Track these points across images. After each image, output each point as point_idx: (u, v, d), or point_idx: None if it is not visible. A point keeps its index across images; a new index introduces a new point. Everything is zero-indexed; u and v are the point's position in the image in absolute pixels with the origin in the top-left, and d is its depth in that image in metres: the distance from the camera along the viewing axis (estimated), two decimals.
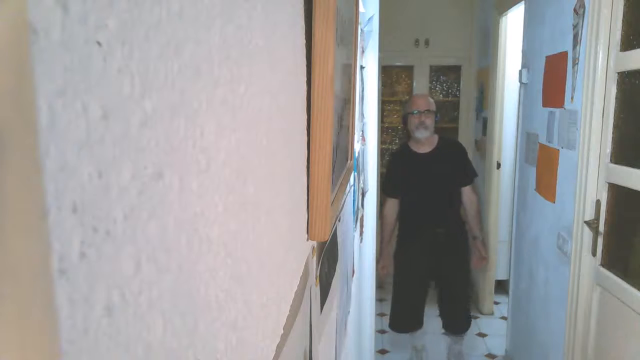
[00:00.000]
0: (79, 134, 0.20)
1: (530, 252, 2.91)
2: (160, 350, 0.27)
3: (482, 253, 3.20)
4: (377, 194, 2.80)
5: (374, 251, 2.79)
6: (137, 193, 0.25)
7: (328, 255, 1.03)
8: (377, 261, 3.13)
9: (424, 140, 3.02)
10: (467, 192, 3.10)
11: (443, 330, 3.35)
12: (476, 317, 3.94)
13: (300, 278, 0.72)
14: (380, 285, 4.06)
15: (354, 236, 1.87)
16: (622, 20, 1.95)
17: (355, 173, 1.80)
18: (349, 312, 1.72)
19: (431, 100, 3.09)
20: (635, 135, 1.91)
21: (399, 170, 3.13)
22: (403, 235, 3.18)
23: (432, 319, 3.52)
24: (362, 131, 2.29)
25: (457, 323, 3.20)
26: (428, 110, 2.99)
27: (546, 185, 2.62)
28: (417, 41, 4.68)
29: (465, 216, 3.15)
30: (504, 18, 3.76)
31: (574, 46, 2.25)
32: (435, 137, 3.07)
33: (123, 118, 0.24)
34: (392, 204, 3.15)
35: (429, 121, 2.98)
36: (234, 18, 0.39)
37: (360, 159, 2.15)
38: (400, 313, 3.23)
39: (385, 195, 3.21)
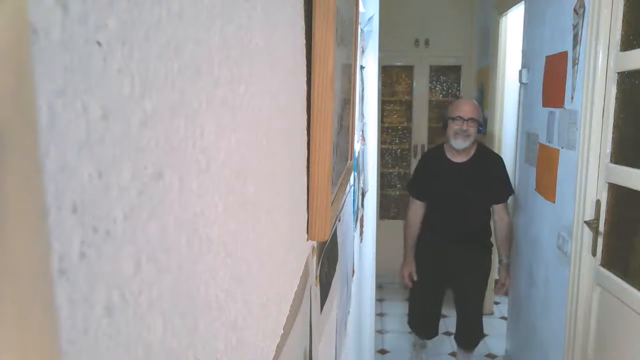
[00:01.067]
0: (79, 134, 0.20)
1: (530, 252, 2.91)
2: (160, 350, 0.27)
3: (504, 280, 2.93)
4: (377, 194, 2.80)
5: (374, 251, 2.79)
6: (137, 193, 0.25)
7: (328, 255, 1.03)
8: (401, 269, 3.00)
9: (462, 150, 2.73)
10: (498, 211, 2.84)
11: (448, 330, 3.30)
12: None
13: (300, 278, 0.72)
14: (380, 286, 4.06)
15: (354, 236, 1.87)
16: (622, 20, 1.95)
17: (355, 173, 1.80)
18: (349, 312, 1.72)
19: (477, 106, 2.77)
20: (635, 135, 1.91)
21: (429, 173, 2.88)
22: (423, 241, 2.98)
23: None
24: (362, 131, 2.29)
25: (471, 336, 3.05)
26: (473, 119, 2.67)
27: (546, 185, 2.62)
28: (417, 41, 4.68)
29: (495, 237, 2.91)
30: (504, 18, 3.76)
31: (574, 46, 2.25)
32: (474, 147, 2.78)
33: (123, 118, 0.24)
34: (418, 207, 2.92)
35: (472, 130, 2.67)
36: (234, 18, 0.39)
37: (360, 159, 2.15)
38: (416, 319, 3.15)
39: (411, 195, 2.98)
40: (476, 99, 4.60)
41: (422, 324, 3.14)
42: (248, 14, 0.43)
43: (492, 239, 3.01)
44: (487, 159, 2.83)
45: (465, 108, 2.70)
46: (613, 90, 2.00)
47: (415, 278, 2.98)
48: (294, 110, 0.65)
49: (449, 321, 3.79)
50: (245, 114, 0.43)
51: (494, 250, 3.03)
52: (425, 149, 4.58)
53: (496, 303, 4.21)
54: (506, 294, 3.15)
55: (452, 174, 2.78)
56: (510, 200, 3.01)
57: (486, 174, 2.78)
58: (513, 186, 3.06)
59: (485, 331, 3.85)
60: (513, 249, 3.08)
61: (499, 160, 2.89)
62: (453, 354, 3.48)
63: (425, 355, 3.35)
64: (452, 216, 2.84)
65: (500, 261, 2.94)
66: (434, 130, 4.71)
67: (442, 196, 2.84)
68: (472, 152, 2.78)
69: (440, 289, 3.05)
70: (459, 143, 2.69)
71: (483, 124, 2.80)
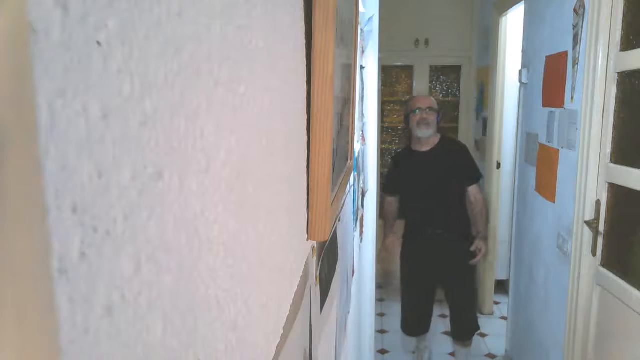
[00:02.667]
0: (79, 134, 0.20)
1: (530, 252, 2.91)
2: (160, 350, 0.27)
3: (481, 246, 3.10)
4: (377, 194, 2.80)
5: (374, 251, 2.79)
6: (137, 193, 0.25)
7: (328, 255, 1.03)
8: (384, 241, 3.15)
9: (426, 140, 2.99)
10: (472, 192, 3.06)
11: (448, 330, 3.33)
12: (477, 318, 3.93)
13: (300, 278, 0.72)
14: (380, 286, 4.06)
15: (354, 236, 1.87)
16: (622, 20, 1.95)
17: (355, 173, 1.80)
18: (349, 312, 1.72)
19: (433, 99, 3.07)
20: (635, 135, 1.91)
21: (400, 169, 3.11)
22: (407, 236, 3.16)
23: (433, 319, 3.51)
24: (362, 131, 2.29)
25: (463, 328, 3.14)
26: (430, 108, 2.96)
27: (546, 185, 2.62)
28: (417, 41, 4.68)
29: (472, 215, 3.11)
30: (504, 18, 3.76)
31: (574, 46, 2.25)
32: (437, 137, 3.04)
33: (123, 118, 0.24)
34: (391, 202, 3.15)
35: (431, 118, 2.95)
36: (234, 18, 0.39)
37: (360, 159, 2.15)
38: (408, 318, 3.21)
39: (384, 194, 3.21)
40: (476, 99, 4.61)
41: (413, 322, 3.21)
42: (248, 14, 0.43)
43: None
44: (451, 146, 3.08)
45: (421, 100, 3.02)
46: (613, 90, 2.00)
47: (391, 255, 3.18)
48: (294, 111, 0.65)
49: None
50: (245, 114, 0.43)
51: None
52: None
53: (496, 303, 4.21)
54: (479, 259, 3.19)
55: (421, 163, 3.01)
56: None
57: (452, 159, 3.01)
58: (513, 186, 3.11)
59: (485, 331, 3.85)
60: (513, 246, 3.11)
61: (463, 147, 3.14)
62: (453, 354, 3.48)
63: (428, 355, 3.35)
64: (427, 204, 3.00)
65: (477, 234, 3.08)
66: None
67: (416, 185, 3.02)
68: (437, 141, 3.03)
69: (430, 283, 3.15)
70: (422, 131, 2.95)
71: (440, 114, 3.05)
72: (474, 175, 3.09)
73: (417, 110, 2.96)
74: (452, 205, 3.03)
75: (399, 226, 3.22)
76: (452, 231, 3.02)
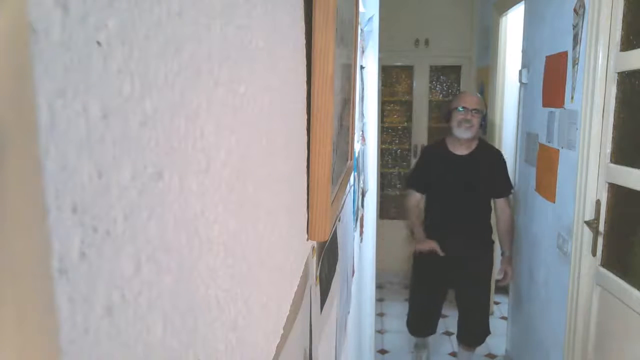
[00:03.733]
0: (79, 134, 0.20)
1: (530, 252, 2.91)
2: (160, 350, 0.27)
3: (508, 270, 2.96)
4: (377, 194, 2.80)
5: (374, 251, 2.79)
6: (137, 193, 0.25)
7: (328, 255, 1.03)
8: (418, 247, 2.94)
9: (464, 141, 2.80)
10: (500, 204, 2.89)
11: (448, 329, 3.29)
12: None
13: (300, 278, 0.72)
14: (380, 285, 4.06)
15: (354, 236, 1.87)
16: (622, 20, 1.95)
17: (355, 173, 1.80)
18: (349, 312, 1.72)
19: (481, 99, 2.86)
20: (635, 135, 1.91)
21: (430, 166, 2.91)
22: (426, 236, 2.97)
23: None
24: (362, 131, 2.29)
25: (475, 335, 3.04)
26: (476, 110, 2.75)
27: (546, 185, 2.62)
28: (417, 41, 4.68)
29: (498, 230, 2.95)
30: (504, 18, 3.76)
31: (574, 46, 2.25)
32: (476, 141, 2.85)
33: (123, 118, 0.24)
34: (416, 198, 2.96)
35: (475, 120, 2.73)
36: (234, 18, 0.39)
37: (360, 159, 2.15)
38: (416, 317, 3.13)
39: (410, 188, 3.01)
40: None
41: (421, 322, 3.14)
42: (248, 14, 0.43)
43: (494, 236, 3.01)
44: (488, 153, 2.88)
45: (470, 99, 2.77)
46: (613, 90, 2.00)
47: (439, 249, 2.91)
48: (294, 110, 0.65)
49: (448, 321, 3.79)
50: (245, 114, 0.43)
51: (496, 247, 3.03)
52: None
53: (496, 303, 4.21)
54: (508, 281, 3.10)
55: (454, 166, 2.82)
56: (510, 197, 3.01)
57: (487, 167, 2.83)
58: (513, 185, 3.08)
59: None
60: (514, 246, 3.09)
61: (500, 155, 2.94)
62: (453, 354, 3.48)
63: (427, 355, 3.34)
64: (453, 209, 2.85)
65: (502, 253, 2.96)
66: (434, 130, 4.71)
67: (444, 188, 2.87)
68: (474, 145, 2.83)
69: (441, 287, 3.04)
70: (462, 132, 2.74)
71: (486, 117, 2.86)
72: (506, 187, 2.91)
73: (462, 109, 2.73)
74: (479, 213, 2.89)
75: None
76: (473, 238, 2.88)
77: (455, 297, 3.09)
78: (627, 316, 1.87)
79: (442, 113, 2.94)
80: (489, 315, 3.10)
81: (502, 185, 2.89)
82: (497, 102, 3.88)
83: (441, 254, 2.88)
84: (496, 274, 3.06)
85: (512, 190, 2.99)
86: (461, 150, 2.83)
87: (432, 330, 3.15)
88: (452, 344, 3.57)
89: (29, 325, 0.17)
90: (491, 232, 2.98)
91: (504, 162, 2.90)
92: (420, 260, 3.02)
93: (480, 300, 2.99)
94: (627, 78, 1.94)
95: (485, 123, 2.85)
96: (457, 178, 2.81)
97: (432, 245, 2.88)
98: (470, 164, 2.80)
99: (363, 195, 2.39)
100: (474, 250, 2.89)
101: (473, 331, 3.04)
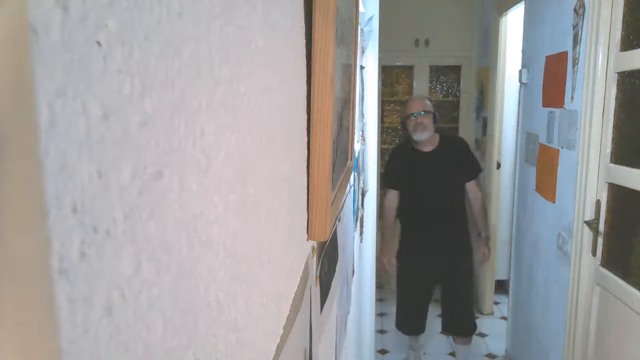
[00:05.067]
0: (79, 134, 0.20)
1: (530, 252, 2.91)
2: (160, 350, 0.27)
3: (485, 252, 3.13)
4: (377, 194, 2.80)
5: (374, 251, 2.79)
6: (137, 193, 0.25)
7: (328, 255, 1.03)
8: (380, 257, 3.08)
9: (424, 142, 3.00)
10: (471, 187, 3.06)
11: (444, 332, 3.32)
12: (476, 317, 3.94)
13: (300, 278, 0.72)
14: (380, 285, 4.06)
15: (354, 236, 1.87)
16: (622, 20, 1.95)
17: (355, 173, 1.80)
18: (349, 312, 1.72)
19: (427, 101, 3.06)
20: (635, 135, 1.91)
21: (400, 165, 3.10)
22: (405, 236, 3.13)
23: (432, 318, 3.51)
24: (362, 131, 2.29)
25: (458, 325, 3.13)
26: (425, 112, 2.96)
27: (546, 185, 2.62)
28: (417, 41, 4.68)
29: (471, 214, 3.11)
30: (504, 18, 3.76)
31: (574, 46, 2.25)
32: (437, 136, 3.04)
33: (123, 118, 0.24)
34: (393, 196, 3.11)
35: (427, 121, 2.95)
36: (234, 18, 0.39)
37: (360, 159, 2.15)
38: (404, 316, 3.20)
39: (386, 187, 3.17)
40: (476, 99, 4.61)
41: (409, 320, 3.20)
42: (248, 14, 0.43)
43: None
44: (452, 144, 3.09)
45: (415, 104, 3.01)
46: (613, 90, 2.00)
47: (394, 262, 3.13)
48: (294, 110, 0.65)
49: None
50: (245, 114, 0.43)
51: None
52: None
53: (496, 303, 4.21)
54: (486, 262, 3.28)
55: (422, 164, 3.02)
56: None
57: (453, 157, 3.03)
58: (513, 186, 3.10)
59: (485, 331, 3.85)
60: (513, 246, 3.09)
61: (463, 143, 3.15)
62: (453, 354, 3.48)
63: (421, 349, 3.35)
64: (427, 204, 3.00)
65: (479, 235, 3.10)
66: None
67: (416, 185, 3.02)
68: (437, 141, 3.03)
69: (427, 284, 3.14)
70: (418, 135, 2.95)
71: (436, 114, 3.04)
72: (474, 169, 3.08)
73: (411, 115, 2.96)
74: (454, 205, 3.02)
75: (396, 230, 3.19)
76: (452, 231, 3.01)
77: (441, 290, 3.18)
78: (627, 316, 1.87)
79: (402, 123, 3.16)
80: (473, 309, 3.23)
81: (469, 168, 3.07)
82: (497, 102, 3.88)
83: (387, 269, 3.13)
84: (475, 257, 3.16)
85: (482, 171, 3.17)
86: (426, 147, 3.02)
87: (420, 329, 3.21)
88: (450, 344, 3.57)
89: (29, 325, 0.17)
90: (467, 223, 3.10)
91: (468, 148, 3.12)
92: (403, 258, 3.13)
93: (465, 289, 3.11)
94: (627, 78, 1.94)
95: (437, 119, 3.04)
96: (427, 173, 2.99)
97: (387, 259, 3.11)
98: (437, 157, 3.00)
99: (363, 195, 2.39)
100: (454, 243, 3.02)
101: (460, 325, 3.14)
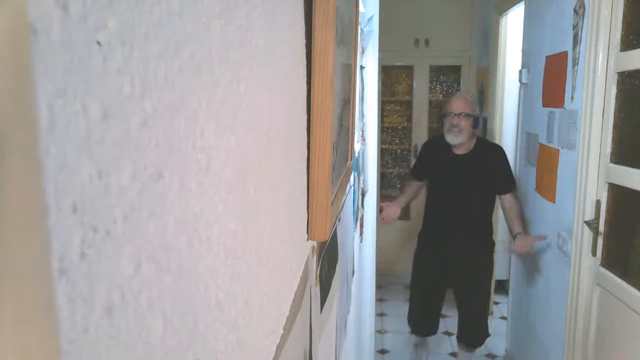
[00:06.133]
0: (79, 134, 0.20)
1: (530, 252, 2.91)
2: (160, 350, 0.27)
3: (529, 240, 2.73)
4: (377, 194, 2.80)
5: (374, 251, 2.79)
6: (137, 193, 0.25)
7: (328, 255, 1.03)
8: (381, 209, 2.89)
9: (459, 144, 2.75)
10: (508, 200, 2.82)
11: (447, 330, 3.28)
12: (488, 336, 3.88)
13: (300, 278, 0.72)
14: (380, 285, 4.06)
15: (354, 236, 1.87)
16: (622, 20, 1.95)
17: (355, 173, 1.80)
18: (349, 312, 1.72)
19: (470, 101, 2.76)
20: (635, 135, 1.91)
21: (430, 158, 2.92)
22: (425, 234, 2.99)
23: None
24: (362, 131, 2.29)
25: (474, 335, 3.01)
26: (465, 114, 2.67)
27: (546, 185, 2.62)
28: (417, 41, 4.68)
29: (507, 220, 2.89)
30: (504, 18, 3.76)
31: (574, 46, 2.25)
32: (473, 141, 2.79)
33: (123, 118, 0.24)
34: (415, 184, 2.99)
35: (464, 124, 2.67)
36: (234, 18, 0.39)
37: (360, 159, 2.15)
38: (417, 317, 3.11)
39: (411, 176, 3.05)
40: (476, 99, 4.61)
41: (422, 321, 3.11)
42: (248, 14, 0.43)
43: (495, 237, 2.96)
44: (487, 151, 2.83)
45: (457, 103, 2.71)
46: (613, 90, 2.00)
47: (394, 217, 2.92)
48: (294, 110, 0.65)
49: (449, 321, 3.79)
50: (245, 114, 0.43)
51: (496, 248, 2.98)
52: None
53: (496, 303, 4.21)
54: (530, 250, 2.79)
55: (453, 164, 2.79)
56: (516, 192, 2.93)
57: (488, 165, 2.78)
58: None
59: None
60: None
61: (500, 151, 2.87)
62: (453, 354, 3.48)
63: (426, 355, 3.34)
64: (452, 208, 2.82)
65: (514, 237, 2.80)
66: (434, 130, 4.70)
67: (443, 186, 2.84)
68: (472, 145, 2.78)
69: (441, 285, 3.02)
70: (451, 138, 2.71)
71: (479, 118, 2.79)
72: (508, 182, 2.84)
73: (450, 114, 2.69)
74: (479, 213, 2.85)
75: (407, 199, 3.05)
76: (474, 238, 2.85)
77: (454, 297, 3.06)
78: (627, 316, 1.87)
79: (437, 117, 2.90)
80: (487, 317, 3.06)
81: (505, 181, 2.82)
82: (497, 102, 3.88)
83: (387, 221, 2.88)
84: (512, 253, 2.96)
85: (514, 186, 2.94)
86: (460, 151, 2.79)
87: (433, 329, 3.12)
88: (452, 344, 3.57)
89: (29, 325, 0.17)
90: (492, 232, 2.95)
91: (505, 158, 2.83)
92: (420, 259, 3.02)
93: (479, 301, 2.96)
94: (627, 78, 1.94)
95: (478, 123, 2.77)
96: (456, 176, 2.78)
97: (391, 209, 2.88)
98: (469, 163, 2.77)
99: (363, 195, 2.39)
100: (474, 251, 2.86)
101: (472, 332, 3.00)
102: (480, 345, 3.06)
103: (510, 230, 2.88)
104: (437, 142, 2.92)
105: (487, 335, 3.04)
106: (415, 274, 3.08)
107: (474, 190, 2.78)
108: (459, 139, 2.70)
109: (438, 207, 2.90)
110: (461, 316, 3.05)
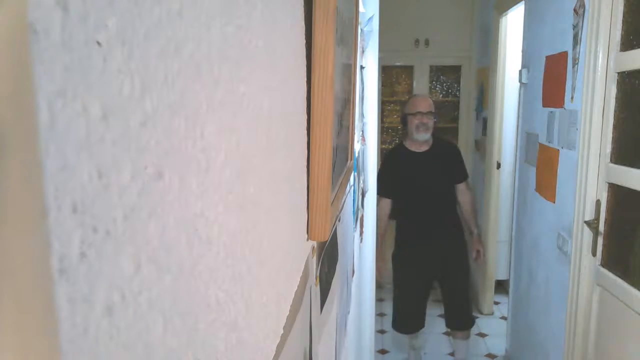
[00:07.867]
0: (79, 134, 0.20)
1: (530, 252, 2.91)
2: (160, 350, 0.27)
3: (479, 249, 3.25)
4: (377, 194, 2.80)
5: (374, 251, 2.79)
6: (137, 193, 0.25)
7: (328, 255, 1.03)
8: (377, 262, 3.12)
9: (422, 141, 3.06)
10: (461, 189, 3.16)
11: (447, 330, 3.33)
12: (476, 317, 3.94)
13: (300, 278, 0.72)
14: (380, 286, 4.06)
15: (354, 236, 1.87)
16: (622, 20, 1.95)
17: (355, 173, 1.80)
18: (349, 312, 1.72)
19: (431, 102, 3.11)
20: (635, 135, 1.91)
21: (395, 169, 3.14)
22: (402, 236, 3.18)
23: (432, 319, 3.52)
24: (362, 131, 2.29)
25: (460, 318, 3.19)
26: (430, 112, 3.01)
27: (546, 185, 2.62)
28: (417, 41, 4.68)
29: (461, 213, 3.20)
30: (504, 18, 3.76)
31: (574, 46, 2.25)
32: (431, 138, 3.12)
33: (123, 118, 0.24)
34: (386, 204, 3.17)
35: (431, 123, 3.01)
36: (234, 18, 0.39)
37: (360, 159, 2.15)
38: (402, 315, 3.21)
39: (379, 195, 3.19)
40: (476, 99, 4.61)
41: (408, 318, 3.21)
42: (248, 14, 0.43)
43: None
44: (444, 147, 3.19)
45: (423, 104, 3.03)
46: (613, 90, 2.00)
47: (385, 274, 3.20)
48: (294, 110, 0.65)
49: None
50: (245, 114, 0.43)
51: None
52: None
53: (496, 303, 4.21)
54: (481, 259, 3.36)
55: (418, 162, 3.09)
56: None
57: (446, 159, 3.12)
58: (513, 186, 3.15)
59: (485, 331, 3.85)
60: (514, 246, 3.11)
61: (455, 147, 3.29)
62: (453, 354, 3.48)
63: (423, 354, 3.35)
64: (423, 202, 3.07)
65: (471, 233, 3.22)
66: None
67: (411, 185, 3.08)
68: (431, 142, 3.11)
69: (423, 285, 3.18)
70: (421, 135, 3.02)
71: (436, 115, 3.11)
72: (463, 173, 3.19)
73: (418, 114, 3.00)
74: (447, 205, 3.11)
75: (390, 232, 3.23)
76: (447, 227, 3.08)
77: (440, 288, 3.23)
78: (627, 316, 1.87)
79: (402, 118, 3.20)
80: (471, 303, 3.30)
81: (460, 171, 3.19)
82: (497, 102, 3.88)
83: (383, 277, 3.17)
84: (472, 256, 3.25)
85: (467, 178, 3.28)
86: (421, 148, 3.09)
87: (417, 326, 3.23)
88: (451, 344, 3.57)
89: (29, 325, 0.17)
90: (459, 219, 3.19)
91: (458, 152, 3.23)
92: (400, 257, 3.17)
93: (461, 290, 3.17)
94: (627, 78, 1.94)
95: (437, 119, 3.13)
96: (422, 172, 3.06)
97: (378, 266, 3.09)
98: (432, 158, 3.08)
99: (363, 195, 2.39)
100: (449, 239, 3.09)
101: (459, 317, 3.19)
102: (471, 326, 3.22)
103: (468, 225, 3.22)
104: (396, 152, 3.25)
105: (473, 319, 3.27)
106: (397, 276, 3.22)
107: (441, 182, 3.09)
108: (427, 135, 3.03)
109: (410, 205, 3.12)
110: (449, 304, 3.21)
